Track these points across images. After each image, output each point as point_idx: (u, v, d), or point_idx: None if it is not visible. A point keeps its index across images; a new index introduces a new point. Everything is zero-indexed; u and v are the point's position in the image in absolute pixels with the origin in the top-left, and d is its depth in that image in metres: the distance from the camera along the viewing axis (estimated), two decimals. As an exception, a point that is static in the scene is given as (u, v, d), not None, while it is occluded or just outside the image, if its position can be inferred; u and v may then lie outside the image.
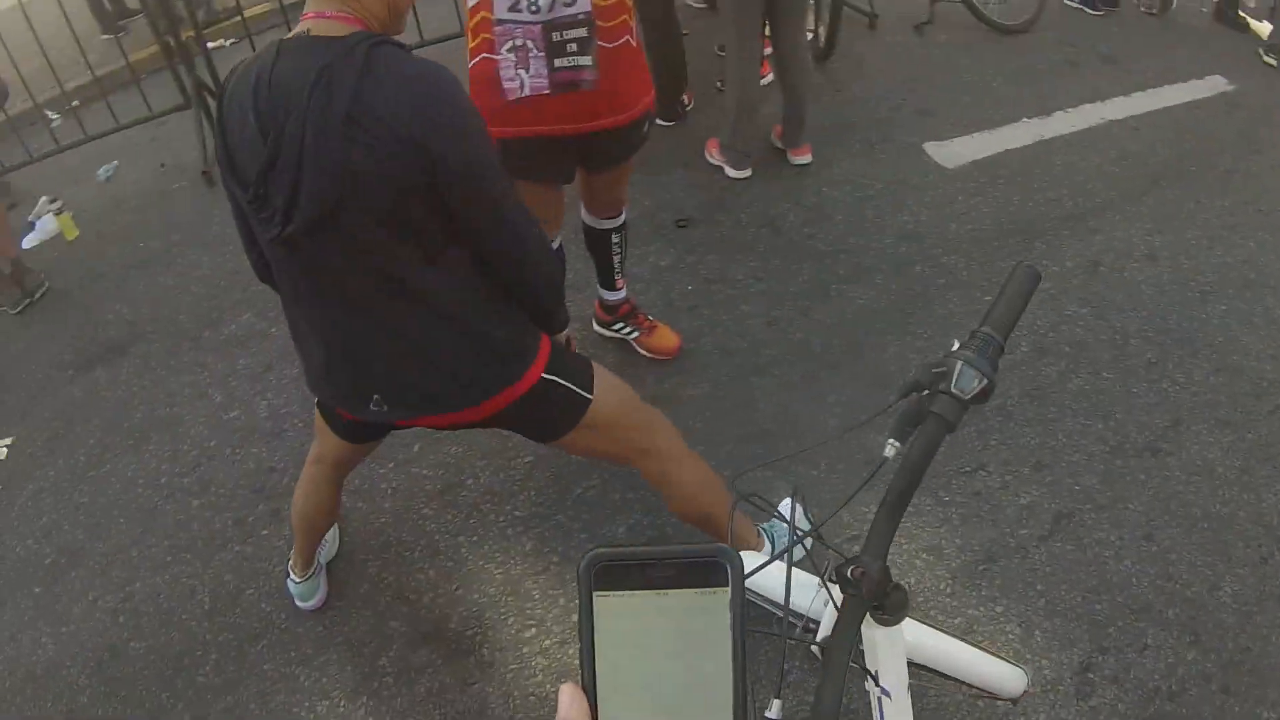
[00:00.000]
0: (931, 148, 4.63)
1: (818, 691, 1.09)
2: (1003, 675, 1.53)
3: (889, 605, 1.22)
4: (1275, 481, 3.02)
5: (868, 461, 2.76)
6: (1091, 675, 2.44)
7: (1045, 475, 2.98)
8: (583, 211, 3.08)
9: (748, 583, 0.63)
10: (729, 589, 0.51)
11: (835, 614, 1.18)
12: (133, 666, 2.70)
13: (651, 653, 0.51)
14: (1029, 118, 4.93)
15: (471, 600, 2.71)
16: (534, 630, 2.62)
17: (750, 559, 1.15)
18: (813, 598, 1.36)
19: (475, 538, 2.87)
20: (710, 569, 0.51)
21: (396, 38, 1.74)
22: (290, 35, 1.67)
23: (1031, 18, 5.93)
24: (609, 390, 2.12)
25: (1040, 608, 2.60)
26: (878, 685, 1.26)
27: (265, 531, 3.00)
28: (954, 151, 4.60)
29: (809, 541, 1.21)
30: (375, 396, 1.91)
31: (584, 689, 0.51)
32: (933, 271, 3.78)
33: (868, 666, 1.28)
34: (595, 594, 0.51)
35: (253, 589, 2.83)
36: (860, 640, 1.23)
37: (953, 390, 1.16)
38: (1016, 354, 3.45)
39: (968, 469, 2.99)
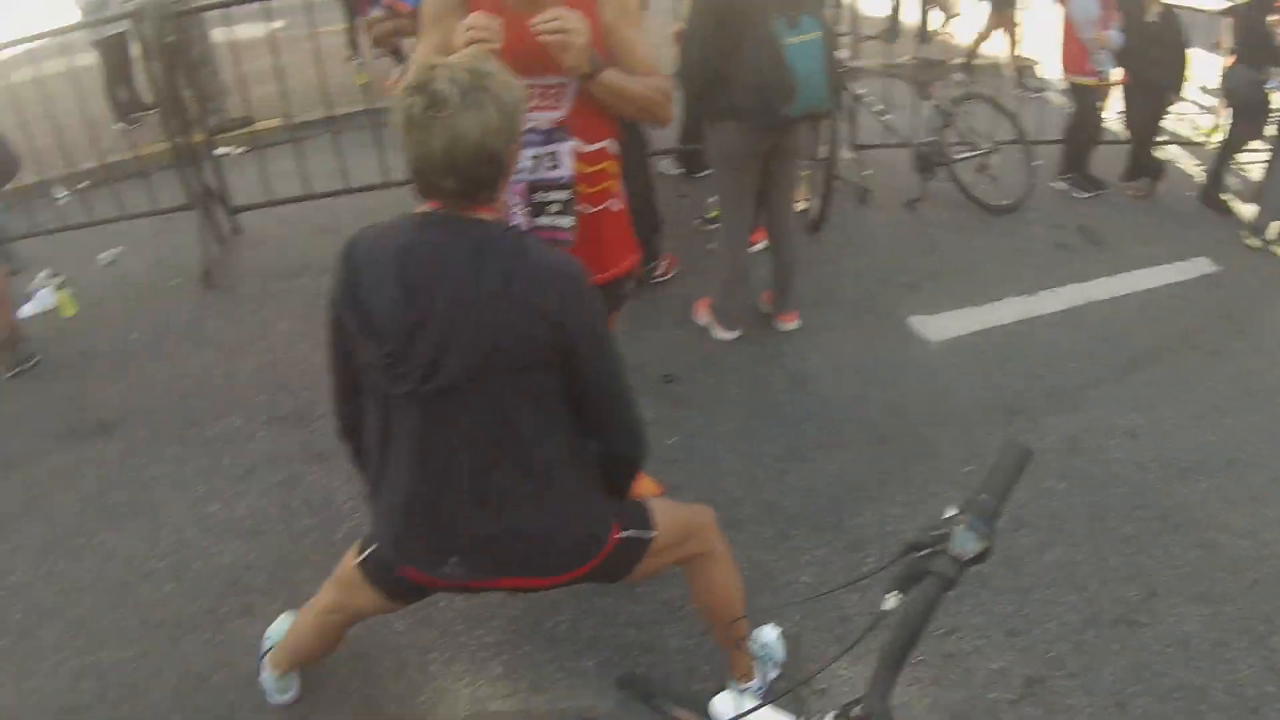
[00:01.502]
0: (916, 321, 4.78)
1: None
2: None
3: None
4: (1251, 654, 2.98)
5: (841, 619, 2.86)
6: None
7: (1018, 641, 2.97)
8: None
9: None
10: None
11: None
12: (91, 731, 2.64)
13: None
14: (1014, 295, 5.12)
15: (437, 716, 2.70)
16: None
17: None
18: None
19: (446, 656, 2.87)
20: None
21: None
22: (423, 211, 1.87)
23: (1020, 198, 6.24)
24: (665, 515, 2.25)
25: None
26: None
27: (236, 624, 2.98)
28: (939, 326, 4.76)
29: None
30: (453, 559, 1.99)
31: None
32: (912, 443, 3.84)
33: None
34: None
35: (219, 676, 2.80)
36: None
37: (953, 552, 1.23)
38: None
39: (941, 631, 2.98)
